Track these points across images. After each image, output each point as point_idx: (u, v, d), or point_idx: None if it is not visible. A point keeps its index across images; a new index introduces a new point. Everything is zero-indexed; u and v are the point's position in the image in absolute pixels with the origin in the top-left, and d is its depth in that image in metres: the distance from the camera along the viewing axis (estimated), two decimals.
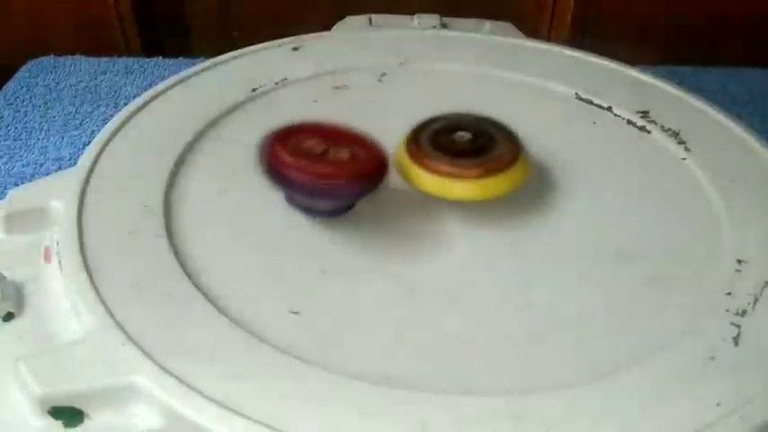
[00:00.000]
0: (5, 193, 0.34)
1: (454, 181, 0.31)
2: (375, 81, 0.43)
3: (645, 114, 0.40)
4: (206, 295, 0.29)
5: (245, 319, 0.28)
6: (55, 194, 0.33)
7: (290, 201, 0.33)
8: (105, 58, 0.60)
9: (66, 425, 0.25)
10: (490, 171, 0.32)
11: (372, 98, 0.41)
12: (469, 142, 0.33)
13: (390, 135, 0.39)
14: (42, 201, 0.33)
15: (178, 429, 0.25)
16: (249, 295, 0.29)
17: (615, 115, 0.41)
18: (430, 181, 0.32)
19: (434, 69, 0.44)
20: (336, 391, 0.26)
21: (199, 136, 0.37)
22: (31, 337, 0.29)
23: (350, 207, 0.33)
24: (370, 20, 0.51)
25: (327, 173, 0.30)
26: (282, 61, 0.43)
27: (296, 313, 0.29)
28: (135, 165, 0.35)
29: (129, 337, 0.27)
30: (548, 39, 0.67)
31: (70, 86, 0.57)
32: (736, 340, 0.28)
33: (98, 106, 0.55)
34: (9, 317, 0.29)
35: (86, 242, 0.30)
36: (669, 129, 0.39)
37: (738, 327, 0.29)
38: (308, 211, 0.33)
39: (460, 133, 0.33)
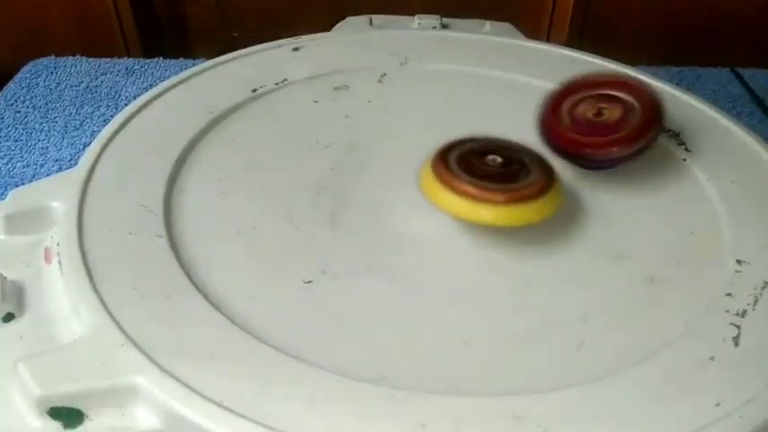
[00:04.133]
0: (6, 194, 0.34)
1: (481, 205, 0.30)
2: (375, 81, 0.43)
3: None
4: (206, 295, 0.29)
5: (244, 319, 0.28)
6: (55, 195, 0.33)
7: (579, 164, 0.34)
8: (106, 59, 0.60)
9: (66, 426, 0.25)
10: (521, 198, 0.30)
11: (372, 98, 0.41)
12: (500, 166, 0.31)
13: (390, 135, 0.39)
14: (43, 201, 0.33)
15: (178, 430, 0.25)
16: (249, 295, 0.29)
17: None
18: (456, 203, 0.31)
19: (434, 70, 0.44)
20: (336, 392, 0.26)
21: (199, 136, 0.37)
22: (30, 337, 0.29)
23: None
24: (371, 20, 0.51)
25: (598, 143, 0.32)
26: (283, 62, 0.43)
27: (296, 313, 0.29)
28: (135, 165, 0.35)
29: (129, 338, 0.27)
30: (547, 39, 0.67)
31: (71, 87, 0.57)
32: (736, 341, 0.28)
33: (98, 107, 0.55)
34: (9, 317, 0.29)
35: (87, 243, 0.30)
36: (669, 129, 0.39)
37: (738, 327, 0.29)
38: (603, 166, 0.34)
39: (492, 157, 0.32)
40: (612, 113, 0.33)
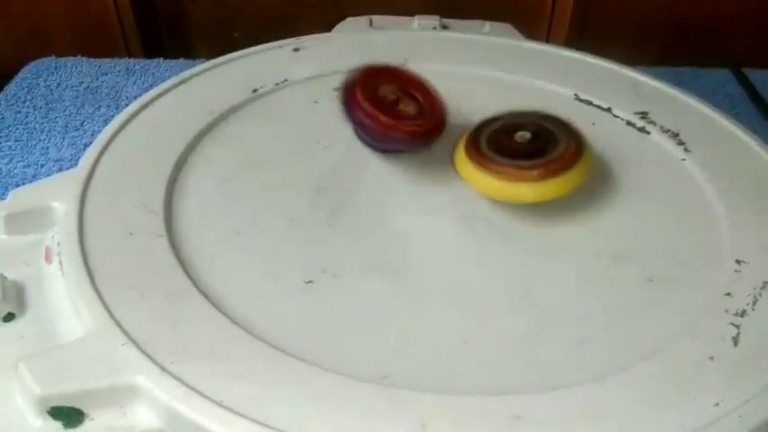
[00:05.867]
0: (7, 194, 0.34)
1: (517, 183, 0.32)
2: None
3: (644, 115, 0.40)
4: (206, 295, 0.29)
5: (245, 319, 0.28)
6: (56, 195, 0.33)
7: (358, 135, 0.37)
8: (106, 60, 0.60)
9: (66, 425, 0.25)
10: (552, 171, 0.32)
11: None
12: (529, 142, 0.33)
13: None
14: (43, 201, 0.34)
15: (178, 430, 0.25)
16: (249, 295, 0.29)
17: (615, 116, 0.41)
18: (492, 184, 0.32)
19: (434, 70, 0.44)
20: (336, 392, 0.26)
21: (200, 137, 0.38)
22: (31, 337, 0.29)
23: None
24: (371, 21, 0.51)
25: (391, 125, 0.34)
26: (283, 62, 0.43)
27: (296, 313, 0.29)
28: (136, 165, 0.35)
29: (130, 338, 0.27)
30: (547, 40, 0.67)
31: (71, 87, 0.57)
32: (735, 340, 0.28)
33: (99, 107, 0.55)
34: (10, 317, 0.29)
35: (87, 243, 0.31)
36: (669, 129, 0.39)
37: (738, 327, 0.29)
38: (372, 147, 0.36)
39: (521, 133, 0.33)
40: (407, 107, 0.35)
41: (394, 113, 0.34)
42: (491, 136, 0.34)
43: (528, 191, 0.32)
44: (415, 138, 0.34)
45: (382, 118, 0.34)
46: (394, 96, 0.35)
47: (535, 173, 0.32)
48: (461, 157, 0.34)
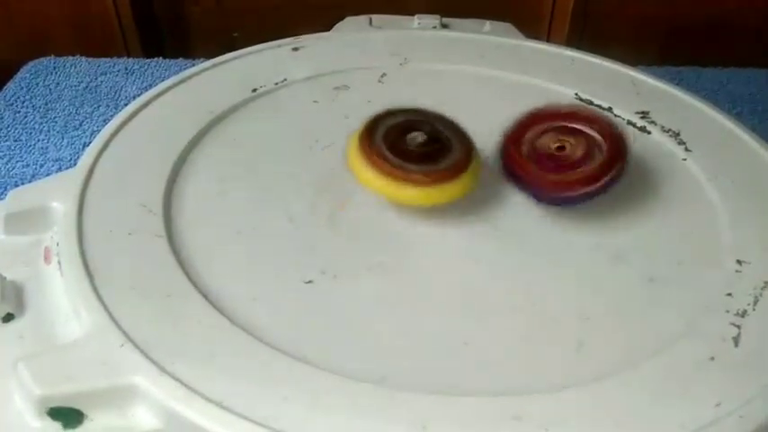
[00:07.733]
0: (6, 194, 0.34)
1: (402, 185, 0.31)
2: (375, 81, 0.43)
3: (645, 115, 0.40)
4: (206, 295, 0.29)
5: (245, 319, 0.28)
6: (55, 195, 0.33)
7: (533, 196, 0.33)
8: (105, 59, 0.60)
9: (66, 426, 0.25)
10: (439, 179, 0.31)
11: (372, 98, 0.41)
12: (422, 146, 0.32)
13: None
14: (42, 201, 0.33)
15: (178, 430, 0.25)
16: (249, 295, 0.29)
17: (615, 116, 0.40)
18: (378, 182, 0.32)
19: (434, 70, 0.44)
20: (336, 392, 0.26)
21: (199, 136, 0.37)
22: (30, 337, 0.29)
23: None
24: (371, 20, 0.51)
25: (559, 183, 0.31)
26: (282, 62, 0.43)
27: (296, 313, 0.29)
28: (135, 165, 0.35)
29: (129, 338, 0.27)
30: (547, 39, 0.67)
31: (70, 87, 0.57)
32: (736, 340, 0.28)
33: (98, 107, 0.55)
34: (9, 317, 0.29)
35: (86, 243, 0.30)
36: (669, 129, 0.39)
37: (738, 327, 0.29)
38: (559, 202, 0.33)
39: (413, 134, 0.32)
40: (575, 149, 0.32)
41: (562, 164, 0.31)
42: (386, 133, 0.33)
43: (413, 195, 0.31)
44: (590, 184, 0.31)
45: (550, 177, 0.31)
46: (556, 144, 0.32)
47: (422, 178, 0.31)
48: (354, 149, 0.33)
